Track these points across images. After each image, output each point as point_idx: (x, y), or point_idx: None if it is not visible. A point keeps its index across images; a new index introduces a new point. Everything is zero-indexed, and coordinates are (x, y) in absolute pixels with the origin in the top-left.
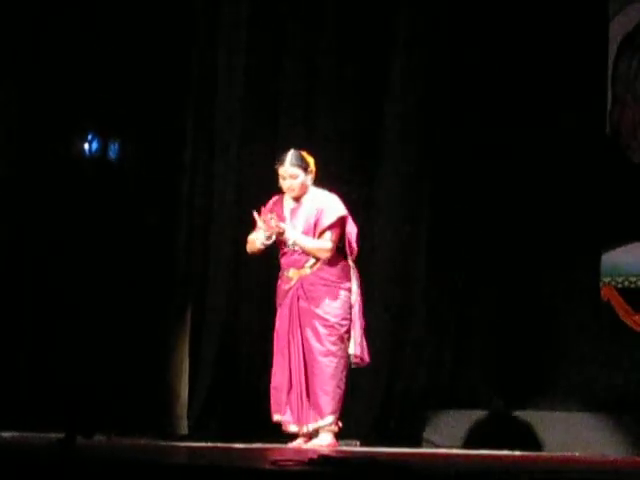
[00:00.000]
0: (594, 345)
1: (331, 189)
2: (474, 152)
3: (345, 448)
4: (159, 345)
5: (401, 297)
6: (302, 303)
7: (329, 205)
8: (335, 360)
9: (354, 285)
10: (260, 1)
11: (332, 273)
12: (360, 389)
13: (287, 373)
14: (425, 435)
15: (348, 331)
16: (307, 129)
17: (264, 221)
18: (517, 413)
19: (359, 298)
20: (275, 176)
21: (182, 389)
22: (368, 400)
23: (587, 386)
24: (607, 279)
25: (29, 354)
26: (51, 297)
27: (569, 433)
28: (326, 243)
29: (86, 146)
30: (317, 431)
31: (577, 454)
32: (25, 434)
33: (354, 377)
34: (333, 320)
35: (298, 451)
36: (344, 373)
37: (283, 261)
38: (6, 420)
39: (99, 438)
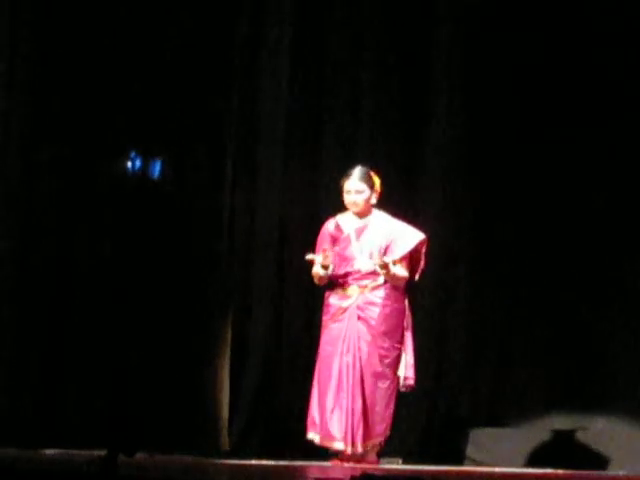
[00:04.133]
0: None
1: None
2: (517, 174)
3: (388, 466)
4: (201, 363)
5: (444, 315)
6: (361, 322)
7: (404, 231)
8: (389, 382)
9: (407, 306)
10: (302, 22)
11: (389, 294)
12: (404, 406)
13: (335, 391)
14: (468, 453)
15: (401, 353)
16: (349, 151)
17: (324, 257)
18: (560, 432)
19: (410, 320)
20: (338, 193)
21: (223, 406)
22: (411, 417)
23: (632, 404)
24: None
25: (72, 372)
26: (95, 316)
27: (613, 451)
28: (405, 273)
29: (129, 164)
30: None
31: (621, 473)
32: (68, 451)
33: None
34: (390, 342)
35: (341, 469)
36: (396, 394)
37: (343, 278)
38: (49, 437)
39: (141, 456)
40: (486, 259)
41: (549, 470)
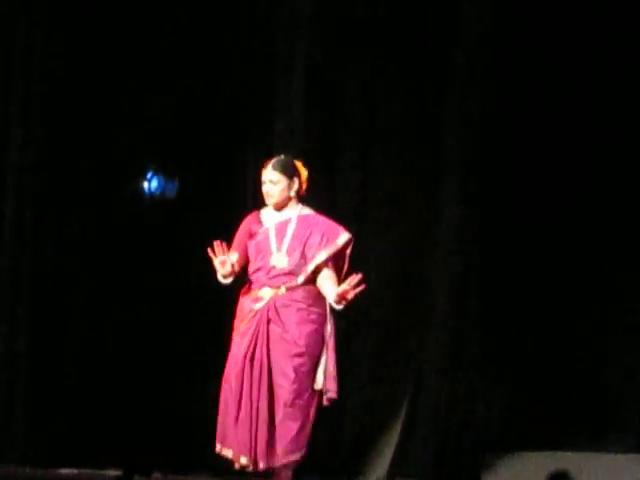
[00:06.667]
0: None
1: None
2: (527, 204)
3: None
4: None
5: (457, 338)
6: (273, 326)
7: (329, 229)
8: (305, 394)
9: (328, 311)
10: (318, 38)
11: (307, 297)
12: (416, 431)
13: (237, 400)
14: (482, 476)
15: (319, 361)
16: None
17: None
18: (570, 455)
19: (333, 326)
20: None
21: None
22: (424, 441)
23: None
24: None
25: (88, 392)
26: (111, 336)
27: (619, 476)
28: (334, 276)
29: (145, 184)
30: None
31: None
32: (84, 471)
33: (411, 417)
34: (304, 348)
35: None
36: (314, 405)
37: (256, 277)
38: (65, 457)
39: (156, 476)
40: (500, 283)
41: None
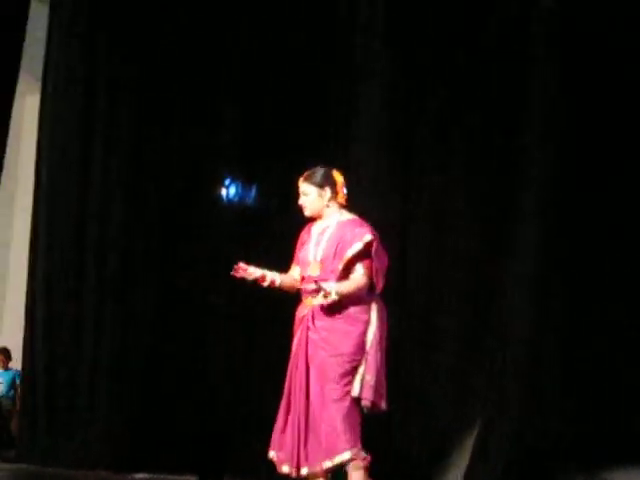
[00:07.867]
0: None
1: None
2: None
3: None
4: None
5: (534, 354)
6: (312, 334)
7: (353, 232)
8: (342, 396)
9: (374, 320)
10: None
11: (349, 305)
12: (491, 442)
13: (285, 407)
14: None
15: (356, 368)
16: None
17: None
18: None
19: (378, 336)
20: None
21: None
22: (497, 453)
23: None
24: None
25: (163, 400)
26: (186, 345)
27: None
28: (360, 278)
29: (224, 191)
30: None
31: None
32: (159, 476)
33: (486, 429)
34: (344, 356)
35: None
36: (355, 408)
37: (303, 286)
38: (141, 462)
39: None
40: (581, 292)
41: None
